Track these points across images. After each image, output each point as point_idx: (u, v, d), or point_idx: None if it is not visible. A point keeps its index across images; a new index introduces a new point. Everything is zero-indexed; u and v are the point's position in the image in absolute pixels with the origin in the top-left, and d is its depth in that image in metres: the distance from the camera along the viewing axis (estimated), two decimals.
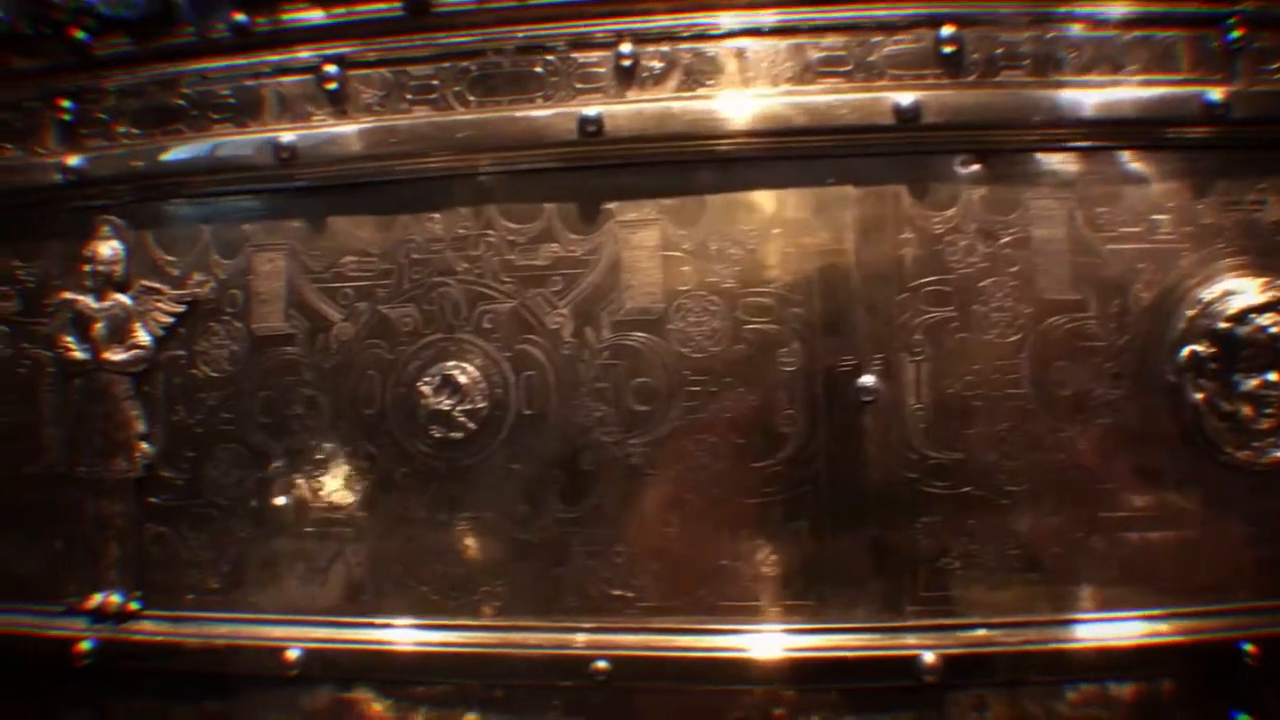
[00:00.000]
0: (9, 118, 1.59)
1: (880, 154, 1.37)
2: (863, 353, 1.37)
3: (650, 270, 1.42)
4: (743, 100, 1.37)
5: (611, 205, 1.42)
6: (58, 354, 1.56)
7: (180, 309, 1.52)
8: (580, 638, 1.40)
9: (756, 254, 1.40)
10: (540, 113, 1.41)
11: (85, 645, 1.52)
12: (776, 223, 1.39)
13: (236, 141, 1.50)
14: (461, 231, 1.44)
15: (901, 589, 1.36)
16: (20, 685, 1.55)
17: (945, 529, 1.36)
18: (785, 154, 1.39)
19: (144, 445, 1.52)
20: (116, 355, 1.53)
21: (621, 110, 1.39)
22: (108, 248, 1.55)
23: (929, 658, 1.32)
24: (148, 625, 1.51)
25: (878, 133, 1.35)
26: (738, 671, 1.37)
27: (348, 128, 1.46)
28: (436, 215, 1.45)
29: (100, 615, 1.53)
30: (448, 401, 1.43)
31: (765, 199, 1.40)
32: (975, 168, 1.37)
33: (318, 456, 1.47)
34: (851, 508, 1.37)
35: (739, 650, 1.37)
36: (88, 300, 1.56)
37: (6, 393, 1.60)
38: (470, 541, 1.44)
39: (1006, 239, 1.37)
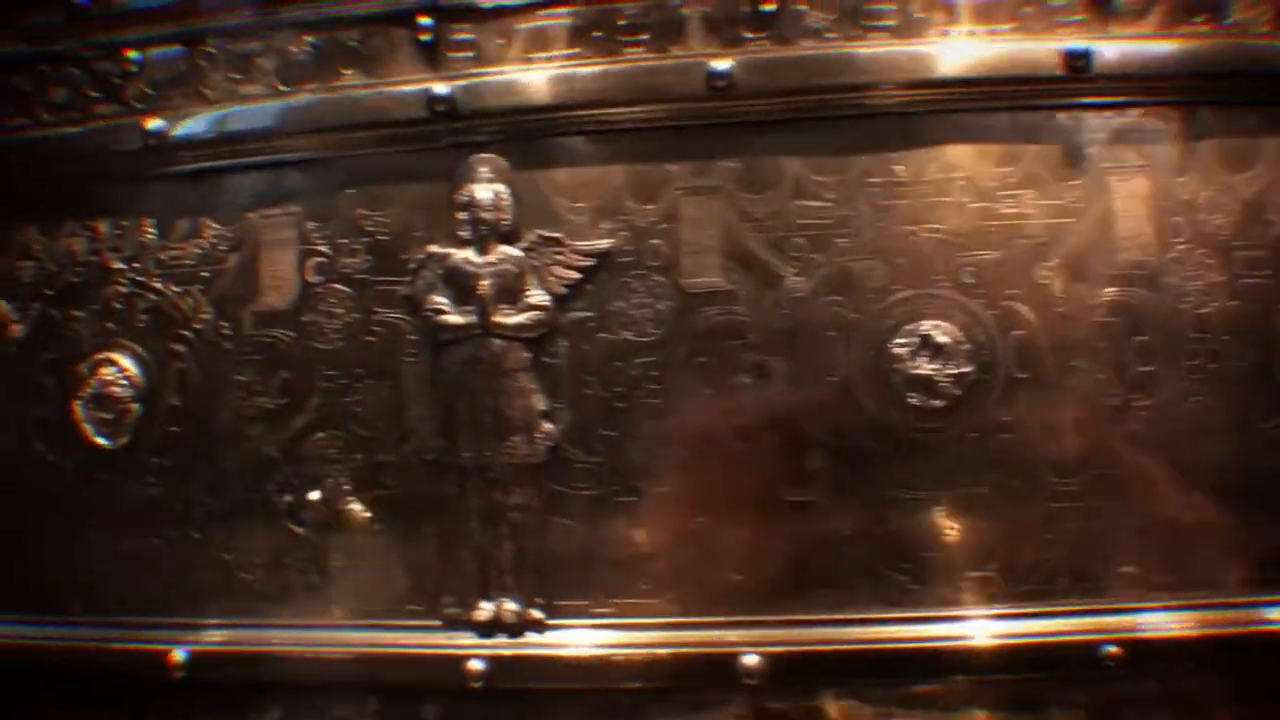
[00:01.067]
0: (350, 37, 1.34)
1: None
2: None
3: (1140, 221, 1.29)
4: None
5: (1095, 150, 1.28)
6: (426, 318, 1.31)
7: (588, 263, 1.30)
8: (1088, 621, 1.26)
9: (1252, 204, 1.29)
10: (1032, 44, 1.27)
11: (476, 665, 1.28)
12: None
13: (655, 67, 1.29)
14: (931, 176, 1.28)
15: None
16: (403, 709, 1.29)
17: None
18: None
19: (545, 424, 1.29)
20: (509, 318, 1.29)
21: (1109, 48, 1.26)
22: (488, 192, 1.31)
23: None
24: (556, 637, 1.29)
25: None
26: None
27: (789, 53, 1.28)
28: (897, 155, 1.28)
29: (492, 628, 1.29)
30: (928, 365, 1.27)
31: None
32: None
33: (765, 430, 1.28)
34: None
35: None
36: (466, 254, 1.31)
37: (352, 366, 1.34)
38: (953, 522, 1.27)
39: None
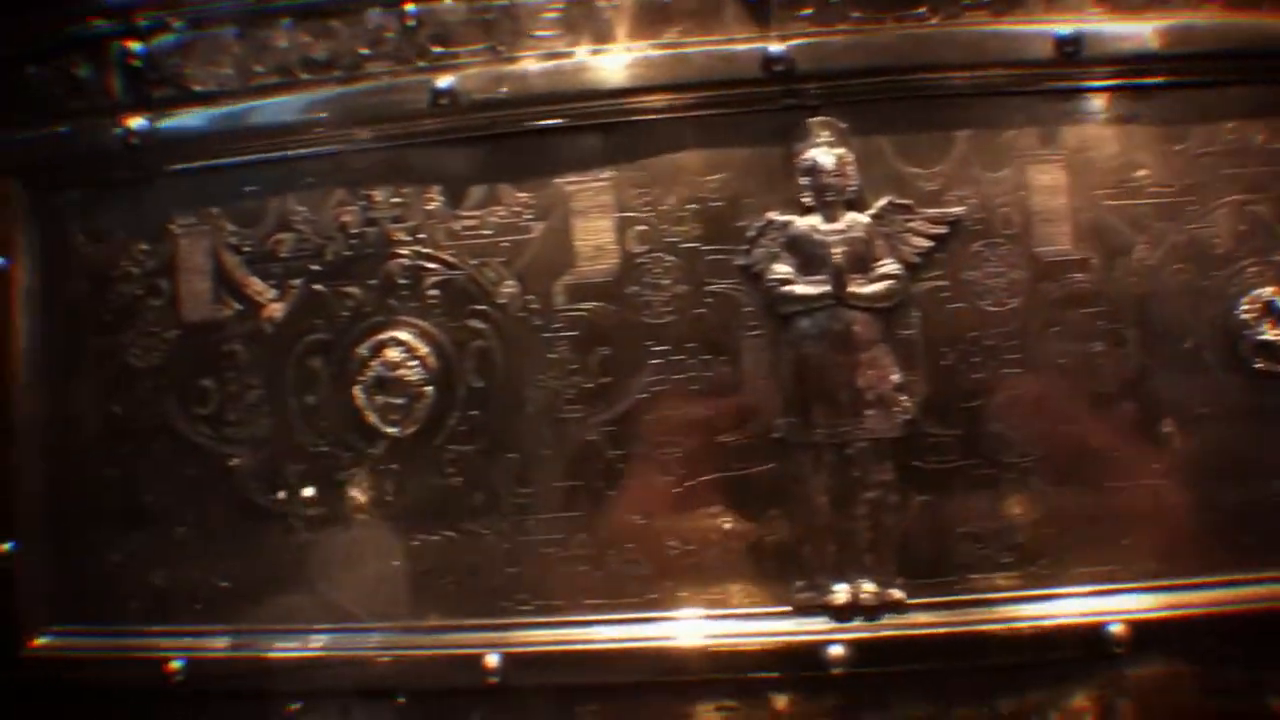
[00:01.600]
0: None
1: None
2: None
3: None
4: None
5: None
6: (768, 289, 1.25)
7: (940, 230, 1.25)
8: None
9: None
10: None
11: (835, 651, 1.22)
12: None
13: (1001, 31, 1.26)
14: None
15: None
16: (754, 701, 1.23)
17: None
18: None
19: (901, 398, 1.24)
20: (863, 288, 1.24)
21: None
22: (830, 156, 1.25)
23: None
24: (915, 618, 1.24)
25: None
26: None
27: (1139, 25, 1.27)
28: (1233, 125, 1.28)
29: (849, 612, 1.23)
30: (1273, 331, 1.27)
31: None
32: None
33: (1120, 398, 1.26)
34: None
35: None
36: (811, 222, 1.25)
37: (684, 341, 1.26)
38: None
39: None
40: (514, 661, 1.25)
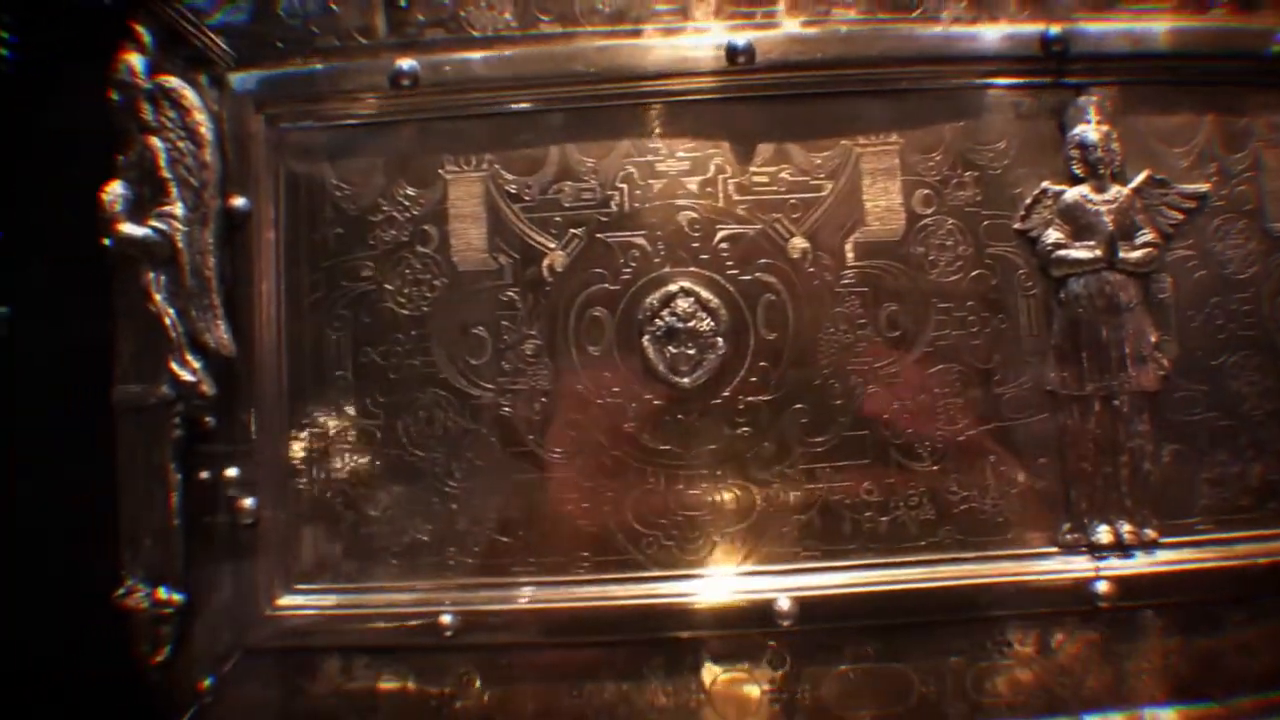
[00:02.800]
0: None
1: None
2: None
3: None
4: None
5: None
6: (1044, 253, 1.33)
7: (1191, 205, 1.37)
8: None
9: None
10: None
11: (1101, 587, 1.32)
12: None
13: (1239, 28, 1.38)
14: None
15: None
16: (1028, 637, 1.31)
17: None
18: None
19: (1159, 355, 1.35)
20: (1130, 254, 1.34)
21: None
22: (1098, 133, 1.35)
23: None
24: (1170, 555, 1.35)
25: None
26: None
27: None
28: None
29: (1110, 550, 1.34)
30: None
31: None
32: None
33: None
34: None
35: None
36: (1082, 191, 1.34)
37: (965, 299, 1.33)
38: None
39: None
40: (804, 605, 1.30)
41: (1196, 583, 1.35)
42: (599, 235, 1.33)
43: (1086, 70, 1.35)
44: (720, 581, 1.31)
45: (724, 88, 1.33)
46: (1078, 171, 1.35)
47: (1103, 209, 1.35)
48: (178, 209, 1.33)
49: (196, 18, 1.33)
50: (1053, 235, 1.35)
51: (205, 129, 1.33)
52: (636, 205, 1.33)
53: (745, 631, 1.30)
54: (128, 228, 1.33)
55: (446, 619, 1.30)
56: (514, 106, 1.34)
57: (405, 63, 1.32)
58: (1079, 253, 1.34)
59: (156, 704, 1.36)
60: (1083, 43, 1.35)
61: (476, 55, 1.33)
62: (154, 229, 1.33)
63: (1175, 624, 1.36)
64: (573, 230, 1.33)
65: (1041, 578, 1.33)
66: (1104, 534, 1.35)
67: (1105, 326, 1.35)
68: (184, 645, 1.33)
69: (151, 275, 1.33)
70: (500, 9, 1.33)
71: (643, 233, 1.33)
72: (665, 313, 1.32)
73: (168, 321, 1.32)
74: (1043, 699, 1.32)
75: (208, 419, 1.32)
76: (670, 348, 1.32)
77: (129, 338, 1.35)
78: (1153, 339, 1.36)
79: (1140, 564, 1.35)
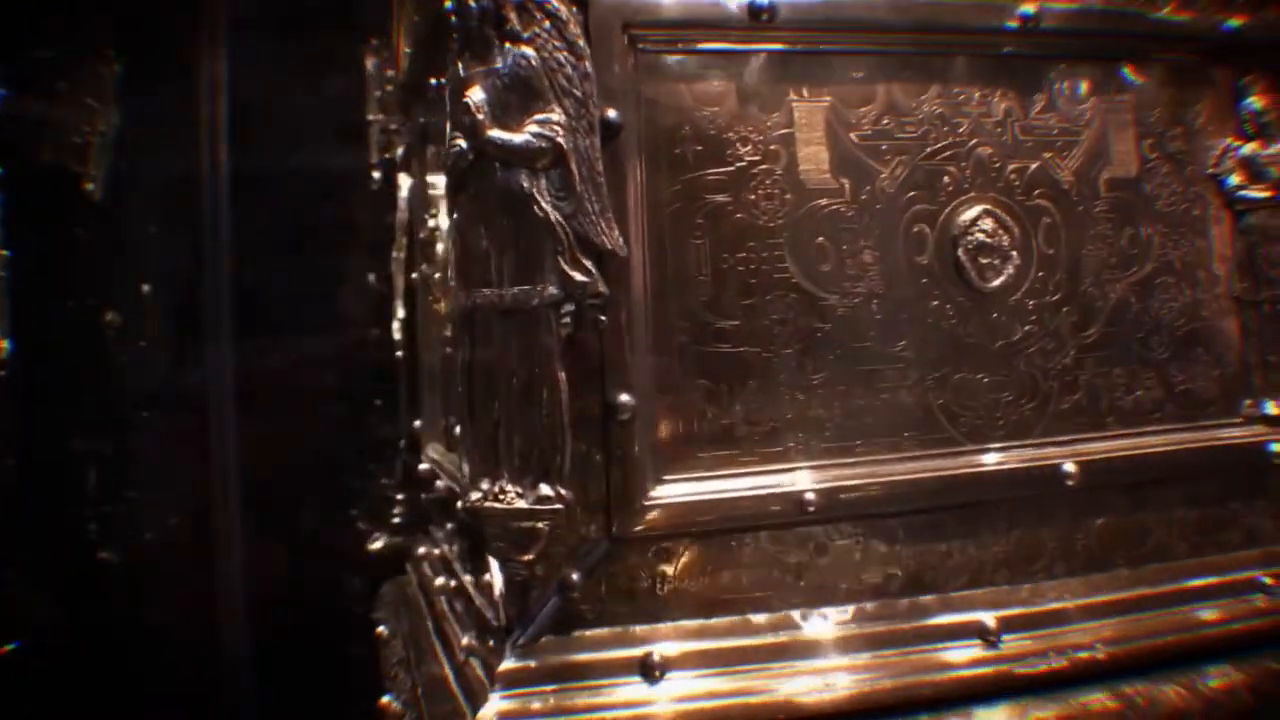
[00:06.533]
0: None
1: None
2: None
3: None
4: None
5: None
6: (1229, 193, 1.73)
7: None
8: None
9: None
10: None
11: (1275, 448, 1.71)
12: None
13: None
14: None
15: None
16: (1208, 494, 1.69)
17: None
18: None
19: None
20: None
21: None
22: (1261, 100, 1.75)
23: None
24: None
25: None
26: None
27: None
28: None
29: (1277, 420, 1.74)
30: None
31: None
32: None
33: None
34: None
35: None
36: (1253, 146, 1.74)
37: (1180, 225, 1.71)
38: None
39: None
40: (1088, 467, 1.60)
41: None
42: (919, 162, 1.57)
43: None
44: (1019, 451, 1.60)
45: (1010, 43, 1.62)
46: (1249, 130, 1.76)
47: (1271, 160, 1.77)
48: (558, 116, 1.42)
49: None
50: (1235, 179, 1.75)
51: (583, 41, 1.43)
52: (947, 141, 1.58)
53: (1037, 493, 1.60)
54: (497, 133, 1.41)
55: (810, 496, 1.49)
56: (847, 48, 1.55)
57: None
58: (1254, 194, 1.75)
59: (517, 600, 1.44)
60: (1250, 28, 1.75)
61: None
62: (535, 134, 1.41)
63: None
64: (899, 158, 1.56)
65: (1230, 442, 1.72)
66: (1273, 406, 1.76)
67: (1274, 248, 1.77)
68: (553, 541, 1.41)
69: (535, 180, 1.41)
70: None
71: (953, 163, 1.59)
72: (975, 229, 1.58)
73: (555, 222, 1.41)
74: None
75: (600, 318, 1.42)
76: (981, 258, 1.58)
77: (497, 241, 1.42)
78: None
79: None
